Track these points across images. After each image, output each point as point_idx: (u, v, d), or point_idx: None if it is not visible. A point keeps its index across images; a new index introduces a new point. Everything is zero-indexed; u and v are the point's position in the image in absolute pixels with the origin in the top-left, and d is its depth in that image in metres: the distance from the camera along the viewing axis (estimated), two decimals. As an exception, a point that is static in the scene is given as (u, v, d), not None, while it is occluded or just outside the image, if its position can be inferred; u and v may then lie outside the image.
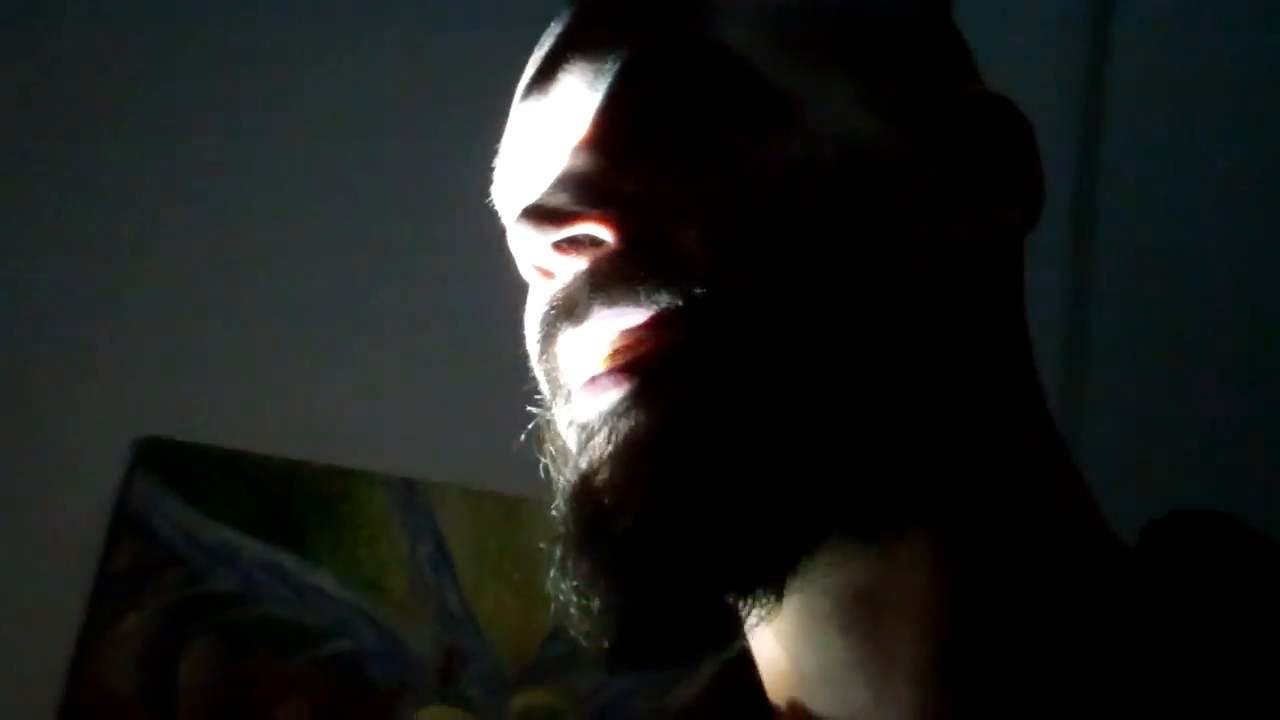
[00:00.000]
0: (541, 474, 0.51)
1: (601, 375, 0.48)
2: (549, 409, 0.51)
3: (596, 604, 0.47)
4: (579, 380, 0.49)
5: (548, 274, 0.50)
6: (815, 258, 0.48)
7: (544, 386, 0.52)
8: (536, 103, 0.54)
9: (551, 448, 0.51)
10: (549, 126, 0.53)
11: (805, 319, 0.47)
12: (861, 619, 0.49)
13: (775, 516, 0.46)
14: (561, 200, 0.49)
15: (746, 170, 0.49)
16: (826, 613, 0.49)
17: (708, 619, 0.47)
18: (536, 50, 0.55)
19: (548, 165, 0.52)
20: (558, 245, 0.49)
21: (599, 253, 0.48)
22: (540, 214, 0.49)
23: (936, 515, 0.49)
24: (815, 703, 0.50)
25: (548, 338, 0.50)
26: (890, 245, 0.49)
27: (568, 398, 0.50)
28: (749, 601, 0.47)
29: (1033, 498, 0.51)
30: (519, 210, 0.49)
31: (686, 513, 0.46)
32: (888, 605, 0.49)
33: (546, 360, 0.50)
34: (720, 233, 0.48)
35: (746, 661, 0.54)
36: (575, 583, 0.48)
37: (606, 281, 0.48)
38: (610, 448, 0.47)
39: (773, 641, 0.52)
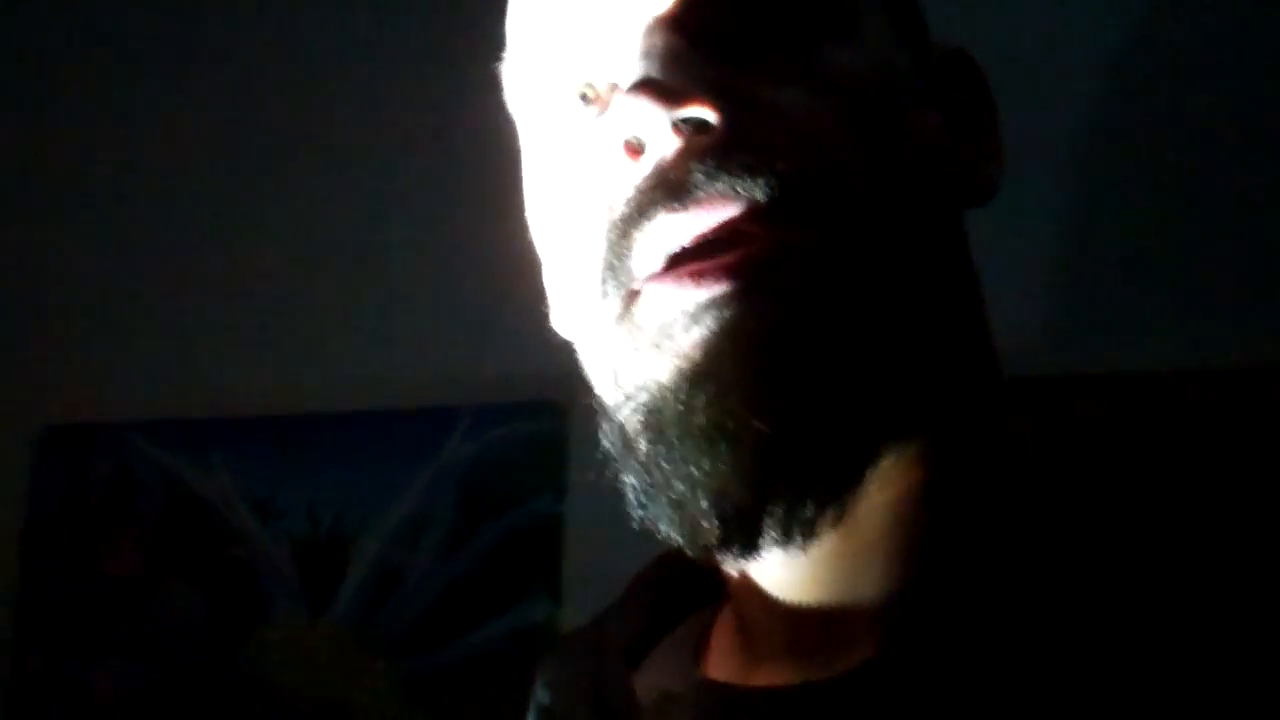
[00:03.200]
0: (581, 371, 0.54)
1: (706, 266, 0.49)
2: (607, 292, 0.51)
3: (704, 491, 0.48)
4: (670, 264, 0.49)
5: (635, 153, 0.50)
6: (875, 163, 0.51)
7: (601, 267, 0.51)
8: None
9: (610, 335, 0.52)
10: None
11: (872, 224, 0.50)
12: (834, 555, 0.51)
13: (861, 414, 0.48)
14: (678, 81, 0.50)
15: (824, 76, 0.51)
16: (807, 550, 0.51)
17: (802, 510, 0.49)
18: None
19: (616, 33, 0.53)
20: (674, 124, 0.49)
21: (704, 139, 0.49)
22: (660, 90, 0.49)
23: (906, 445, 0.51)
24: (785, 642, 0.53)
25: (638, 215, 0.50)
26: (914, 167, 0.53)
27: (650, 278, 0.50)
28: (823, 504, 0.49)
29: (982, 426, 0.54)
30: (632, 82, 0.50)
31: (795, 405, 0.47)
32: (859, 544, 0.51)
33: (625, 239, 0.50)
34: (803, 132, 0.50)
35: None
36: (679, 473, 0.49)
37: (715, 166, 0.49)
38: (721, 338, 0.48)
39: (756, 578, 0.54)
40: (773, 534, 0.48)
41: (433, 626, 1.58)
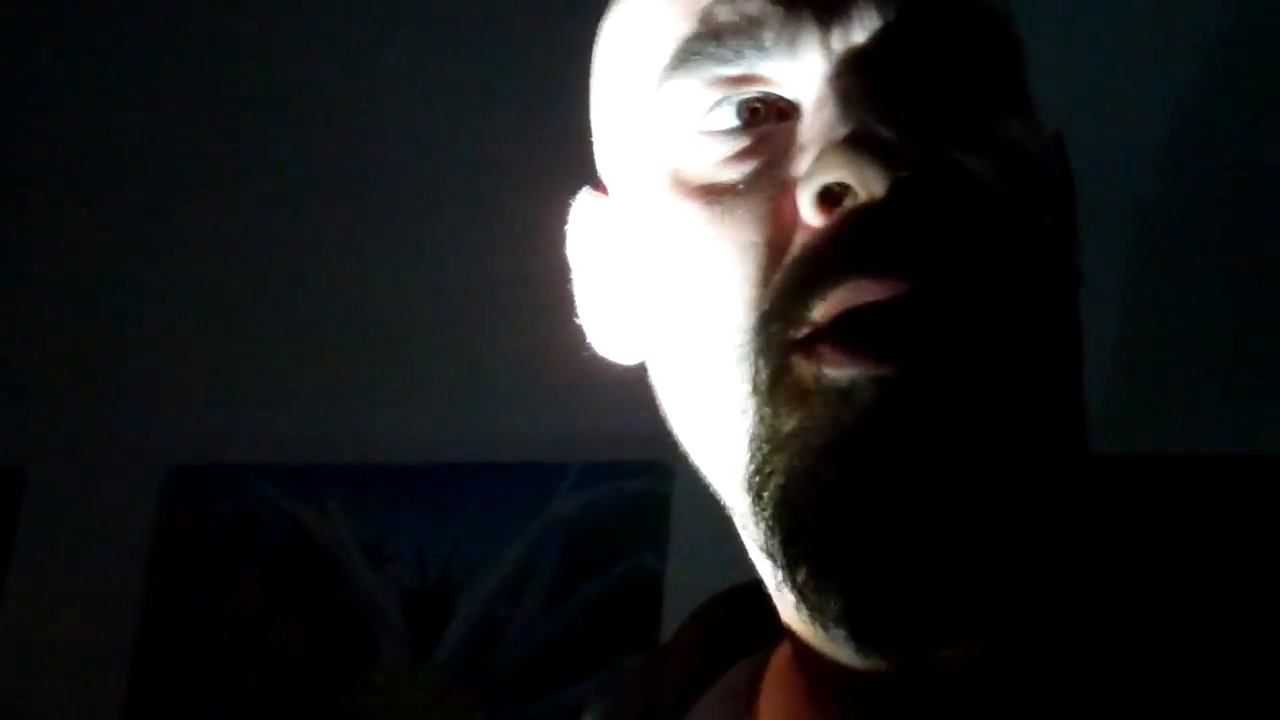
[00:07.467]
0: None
1: (869, 342, 0.47)
2: (752, 355, 0.49)
3: (876, 581, 0.46)
4: (829, 333, 0.47)
5: (828, 206, 0.48)
6: (1039, 247, 0.50)
7: (747, 324, 0.49)
8: None
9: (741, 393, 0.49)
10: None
11: (1032, 306, 0.48)
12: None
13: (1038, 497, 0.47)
14: (896, 139, 0.47)
15: (1007, 151, 0.50)
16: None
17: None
18: None
19: (794, 41, 0.50)
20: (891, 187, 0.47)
21: (906, 202, 0.47)
22: (884, 150, 0.47)
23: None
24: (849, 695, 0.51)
25: (822, 271, 0.48)
26: (1054, 250, 0.51)
27: (811, 347, 0.48)
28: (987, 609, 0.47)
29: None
30: (850, 132, 0.47)
31: (980, 496, 0.46)
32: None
33: (802, 293, 0.48)
34: (975, 212, 0.48)
35: None
36: (856, 560, 0.46)
37: (911, 233, 0.47)
38: (892, 420, 0.46)
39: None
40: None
41: (532, 678, 1.61)
